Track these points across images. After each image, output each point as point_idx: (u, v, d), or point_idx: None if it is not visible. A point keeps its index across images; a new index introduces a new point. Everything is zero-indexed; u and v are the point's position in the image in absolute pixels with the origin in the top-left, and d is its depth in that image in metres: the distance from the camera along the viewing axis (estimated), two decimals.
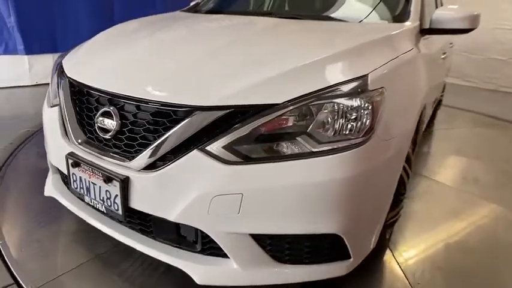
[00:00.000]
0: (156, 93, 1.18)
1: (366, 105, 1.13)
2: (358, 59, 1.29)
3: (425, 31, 1.87)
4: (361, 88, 1.15)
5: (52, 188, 1.57)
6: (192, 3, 2.47)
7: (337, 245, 1.16)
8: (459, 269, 1.64)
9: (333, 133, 1.11)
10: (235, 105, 1.10)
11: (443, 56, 2.54)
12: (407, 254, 1.70)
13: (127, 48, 1.53)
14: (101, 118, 1.25)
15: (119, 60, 1.43)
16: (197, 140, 1.11)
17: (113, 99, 1.25)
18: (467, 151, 3.10)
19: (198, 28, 1.79)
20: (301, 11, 2.06)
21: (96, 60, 1.50)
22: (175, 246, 1.26)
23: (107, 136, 1.24)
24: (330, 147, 1.09)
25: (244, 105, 1.10)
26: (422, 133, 3.33)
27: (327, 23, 1.77)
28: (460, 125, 3.95)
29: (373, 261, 1.62)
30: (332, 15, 1.93)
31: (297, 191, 1.08)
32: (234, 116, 1.10)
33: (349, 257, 1.22)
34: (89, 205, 1.34)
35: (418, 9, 1.85)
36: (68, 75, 1.44)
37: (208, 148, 1.09)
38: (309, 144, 1.09)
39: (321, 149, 1.09)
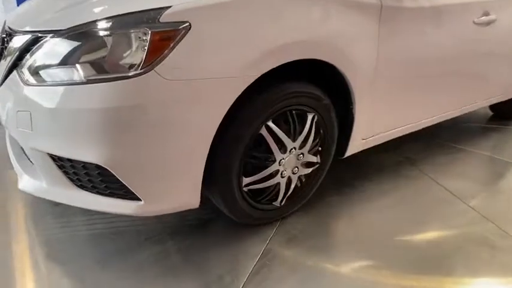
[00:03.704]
0: (10, 23, 1.36)
1: (147, 37, 1.06)
2: None
3: None
4: (151, 19, 1.07)
5: None
6: None
7: (110, 179, 1.15)
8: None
9: (111, 63, 1.08)
10: (33, 31, 1.20)
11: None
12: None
13: None
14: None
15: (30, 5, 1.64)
16: (19, 62, 1.25)
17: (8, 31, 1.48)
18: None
19: None
20: None
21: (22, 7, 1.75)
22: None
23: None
24: (101, 77, 1.07)
25: (39, 30, 1.18)
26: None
27: None
28: None
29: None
30: None
31: (69, 116, 1.10)
32: (37, 41, 1.19)
33: (139, 199, 1.19)
34: None
35: None
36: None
37: (19, 69, 1.22)
38: (84, 72, 1.09)
39: (93, 78, 1.08)
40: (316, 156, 1.55)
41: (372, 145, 1.80)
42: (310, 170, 1.55)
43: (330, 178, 1.77)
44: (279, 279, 1.30)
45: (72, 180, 1.24)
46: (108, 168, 1.11)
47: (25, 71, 1.20)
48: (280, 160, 1.41)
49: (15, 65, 1.26)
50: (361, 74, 1.49)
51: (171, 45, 1.06)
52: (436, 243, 1.49)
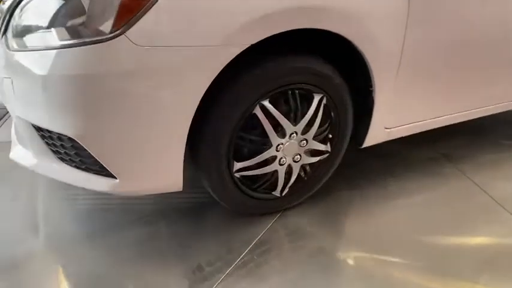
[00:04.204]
0: None
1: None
2: None
3: None
4: None
5: None
6: None
7: (84, 152, 1.07)
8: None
9: (86, 27, 0.98)
10: None
11: None
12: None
13: None
14: None
15: None
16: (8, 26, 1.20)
17: None
18: None
19: None
20: None
21: None
22: None
23: None
24: (74, 42, 0.98)
25: None
26: None
27: None
28: None
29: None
30: None
31: (42, 83, 1.02)
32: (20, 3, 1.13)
33: (114, 177, 1.10)
34: None
35: None
36: None
37: (6, 34, 1.18)
38: (58, 36, 1.01)
39: (67, 43, 0.99)
40: (326, 144, 1.36)
41: (397, 136, 1.56)
42: (317, 159, 1.37)
43: (345, 169, 1.58)
44: (264, 277, 1.17)
45: (53, 152, 1.19)
46: (77, 140, 1.04)
47: (9, 35, 1.15)
48: (278, 145, 1.24)
49: (6, 29, 1.22)
50: (383, 52, 1.26)
51: (145, 6, 0.94)
52: (460, 249, 1.29)
